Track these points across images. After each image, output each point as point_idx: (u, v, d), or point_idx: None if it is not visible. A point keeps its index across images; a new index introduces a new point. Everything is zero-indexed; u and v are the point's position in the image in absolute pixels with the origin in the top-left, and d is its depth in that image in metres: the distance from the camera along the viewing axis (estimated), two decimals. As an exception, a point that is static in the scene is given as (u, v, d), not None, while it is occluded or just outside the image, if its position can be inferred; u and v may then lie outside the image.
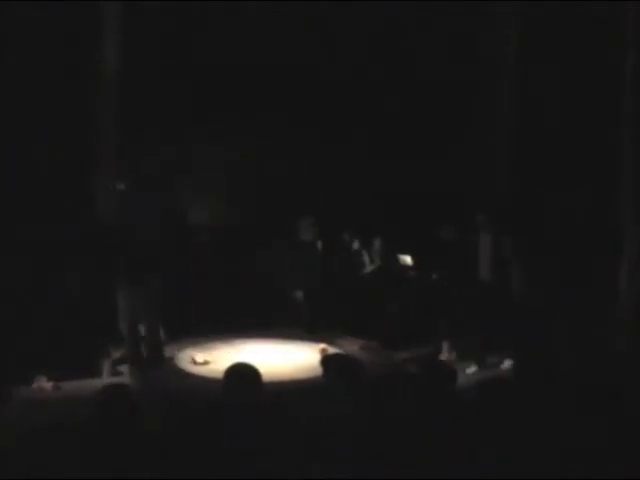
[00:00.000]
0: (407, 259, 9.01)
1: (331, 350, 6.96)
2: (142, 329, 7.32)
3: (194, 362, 7.08)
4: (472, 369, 7.23)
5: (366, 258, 9.28)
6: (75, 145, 8.66)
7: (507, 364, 7.37)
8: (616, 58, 7.76)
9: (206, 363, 7.03)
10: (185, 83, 9.36)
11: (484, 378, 6.16)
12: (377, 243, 9.18)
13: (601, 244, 8.13)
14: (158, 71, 9.18)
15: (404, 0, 9.80)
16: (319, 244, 9.08)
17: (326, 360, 4.48)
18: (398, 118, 10.11)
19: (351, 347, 7.62)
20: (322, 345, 7.32)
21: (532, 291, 7.69)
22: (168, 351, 7.50)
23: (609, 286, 7.69)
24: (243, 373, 4.02)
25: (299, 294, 8.79)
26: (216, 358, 7.15)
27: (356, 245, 9.34)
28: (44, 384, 6.50)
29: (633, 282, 7.54)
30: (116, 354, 7.30)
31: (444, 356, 7.42)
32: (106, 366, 7.39)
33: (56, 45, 8.42)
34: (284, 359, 7.29)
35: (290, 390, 5.99)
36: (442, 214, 8.63)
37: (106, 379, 7.18)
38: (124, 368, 7.16)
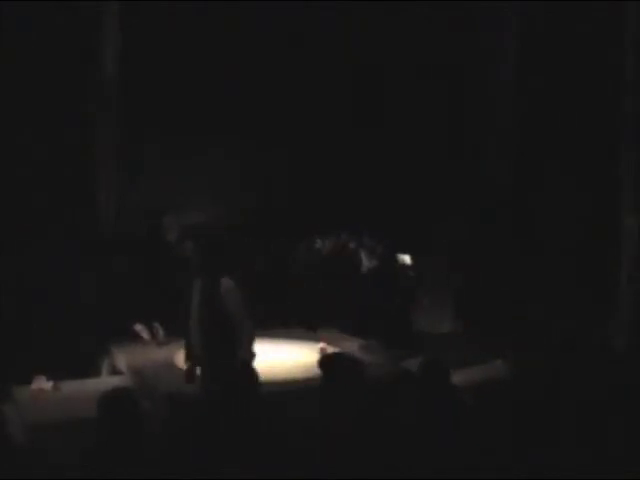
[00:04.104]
0: (406, 259, 9.00)
1: (330, 350, 6.94)
2: None
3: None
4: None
5: (364, 257, 9.26)
6: (75, 145, 8.66)
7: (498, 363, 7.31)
8: (616, 58, 7.76)
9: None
10: (185, 82, 9.36)
11: (482, 379, 6.19)
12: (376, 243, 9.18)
13: (601, 244, 8.14)
14: (158, 71, 9.17)
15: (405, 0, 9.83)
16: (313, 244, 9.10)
17: (325, 360, 4.47)
18: (396, 119, 10.14)
19: (351, 347, 7.59)
20: (321, 345, 7.31)
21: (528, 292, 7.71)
22: (168, 350, 7.48)
23: (609, 286, 7.69)
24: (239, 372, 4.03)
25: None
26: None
27: (354, 245, 9.33)
28: (44, 384, 6.48)
29: (633, 282, 7.54)
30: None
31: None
32: (106, 366, 7.40)
33: (56, 45, 8.42)
34: (283, 358, 7.28)
35: (289, 390, 5.98)
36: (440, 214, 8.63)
37: (105, 378, 7.20)
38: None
